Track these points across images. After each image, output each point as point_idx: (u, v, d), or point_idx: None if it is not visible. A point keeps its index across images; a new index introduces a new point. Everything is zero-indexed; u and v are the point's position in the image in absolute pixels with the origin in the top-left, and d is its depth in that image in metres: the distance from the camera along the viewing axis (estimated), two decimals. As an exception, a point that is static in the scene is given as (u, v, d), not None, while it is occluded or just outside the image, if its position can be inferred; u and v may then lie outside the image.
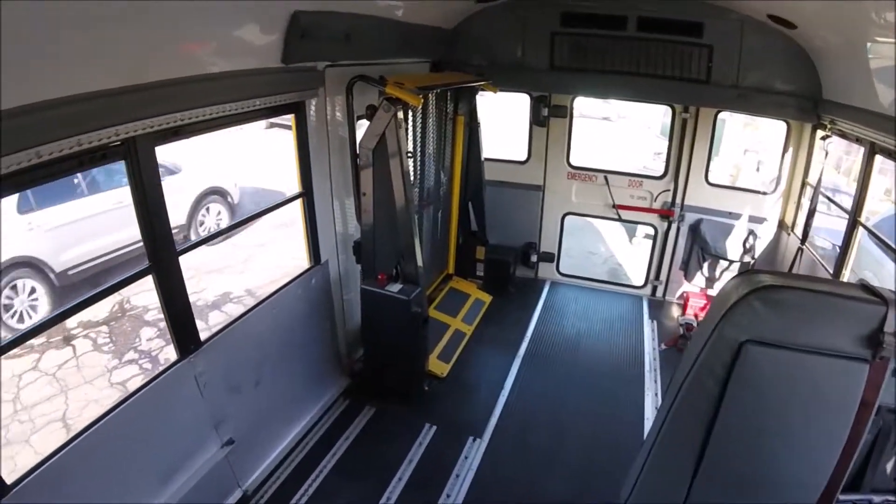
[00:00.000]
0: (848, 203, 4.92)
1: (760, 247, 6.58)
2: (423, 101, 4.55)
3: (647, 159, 16.49)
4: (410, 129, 5.33)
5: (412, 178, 5.33)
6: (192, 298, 3.39)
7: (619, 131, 20.45)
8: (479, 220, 6.85)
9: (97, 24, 2.27)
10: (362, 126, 4.43)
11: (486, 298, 6.69)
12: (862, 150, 4.64)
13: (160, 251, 3.04)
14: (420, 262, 4.63)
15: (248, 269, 9.01)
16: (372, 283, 4.53)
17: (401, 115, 4.25)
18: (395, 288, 4.48)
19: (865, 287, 1.39)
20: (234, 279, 8.62)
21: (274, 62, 3.60)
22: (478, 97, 6.31)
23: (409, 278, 4.61)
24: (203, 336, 3.43)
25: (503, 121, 8.94)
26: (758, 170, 14.50)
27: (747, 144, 14.81)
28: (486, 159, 6.68)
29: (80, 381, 6.24)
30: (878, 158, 4.48)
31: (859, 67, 4.16)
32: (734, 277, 1.50)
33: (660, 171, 6.93)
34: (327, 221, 4.68)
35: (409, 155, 4.82)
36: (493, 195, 6.89)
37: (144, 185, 2.87)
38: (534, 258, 7.34)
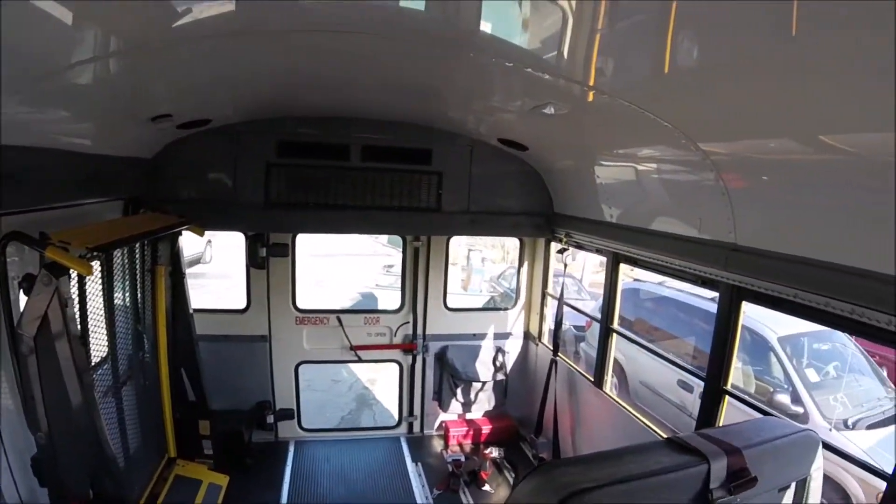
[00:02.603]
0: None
1: (511, 362, 6.77)
2: (94, 269, 3.52)
3: (377, 275, 17.11)
4: (90, 290, 3.97)
5: (100, 355, 4.01)
6: None
7: (341, 242, 20.81)
8: (196, 387, 5.56)
9: None
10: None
11: (222, 480, 5.36)
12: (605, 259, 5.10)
13: None
14: (121, 480, 3.40)
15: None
16: None
17: (71, 285, 3.13)
18: None
19: (677, 444, 1.33)
20: None
21: None
22: (181, 240, 5.24)
23: (112, 500, 3.35)
24: None
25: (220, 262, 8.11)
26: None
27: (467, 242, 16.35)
28: (196, 310, 5.56)
29: None
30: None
31: (589, 182, 4.62)
32: (528, 477, 1.31)
33: (392, 284, 6.99)
34: None
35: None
36: (211, 352, 5.74)
37: None
38: (270, 419, 6.31)
